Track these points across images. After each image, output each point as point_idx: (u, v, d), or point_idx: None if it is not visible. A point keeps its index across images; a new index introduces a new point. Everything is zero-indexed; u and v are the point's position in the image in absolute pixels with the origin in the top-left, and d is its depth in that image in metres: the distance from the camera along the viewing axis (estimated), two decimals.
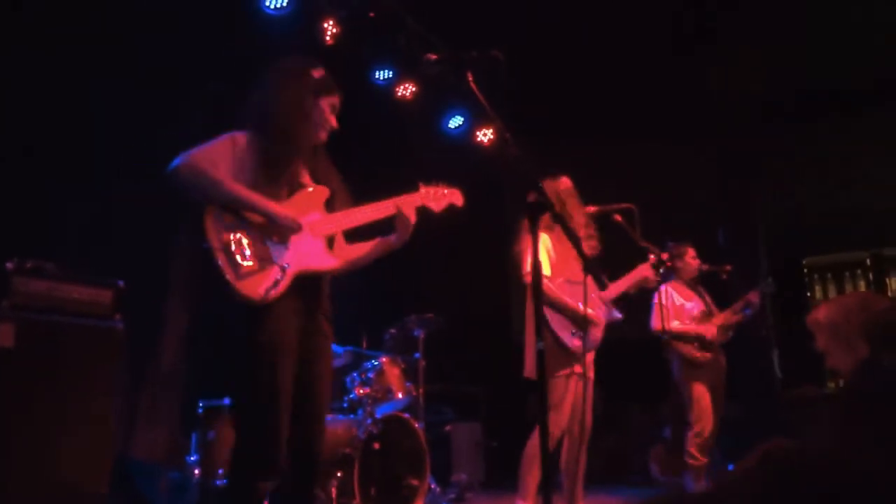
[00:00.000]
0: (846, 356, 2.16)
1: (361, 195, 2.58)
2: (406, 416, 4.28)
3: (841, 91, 6.62)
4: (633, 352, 5.18)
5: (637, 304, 4.28)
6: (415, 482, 4.14)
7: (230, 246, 2.19)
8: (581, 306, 3.40)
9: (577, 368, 3.52)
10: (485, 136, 6.16)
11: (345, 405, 4.39)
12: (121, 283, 3.32)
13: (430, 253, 6.65)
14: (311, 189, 2.43)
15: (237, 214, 2.25)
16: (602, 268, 3.64)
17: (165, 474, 4.04)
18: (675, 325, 4.65)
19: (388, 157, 6.35)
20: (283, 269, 2.24)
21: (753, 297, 4.74)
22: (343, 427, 4.08)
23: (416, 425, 4.27)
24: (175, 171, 2.24)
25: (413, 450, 4.20)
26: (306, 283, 2.32)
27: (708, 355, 4.65)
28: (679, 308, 4.72)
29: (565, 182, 3.77)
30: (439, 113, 6.14)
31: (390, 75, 5.70)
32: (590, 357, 3.68)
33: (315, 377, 2.35)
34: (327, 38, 5.11)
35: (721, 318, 4.76)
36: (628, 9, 5.78)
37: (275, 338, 2.22)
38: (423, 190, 2.62)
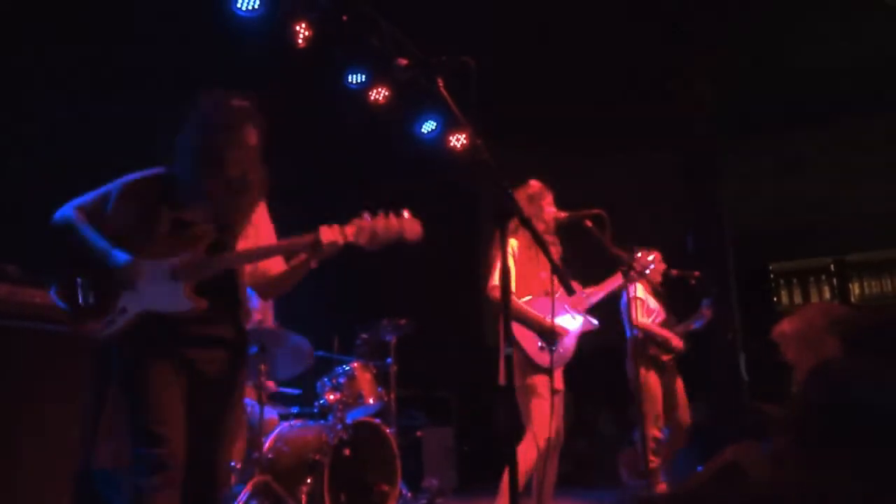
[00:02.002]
0: (815, 362, 2.19)
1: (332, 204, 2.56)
2: (377, 421, 4.26)
3: (804, 99, 6.78)
4: (603, 357, 5.23)
5: (605, 308, 4.32)
6: (385, 488, 4.12)
7: (75, 285, 2.32)
8: (548, 318, 3.39)
9: (549, 382, 3.49)
10: (458, 140, 6.18)
11: (315, 410, 4.36)
12: None
13: (402, 257, 6.66)
14: (196, 228, 2.37)
15: (89, 255, 2.33)
16: (570, 272, 3.66)
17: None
18: (646, 321, 4.73)
19: (361, 161, 6.34)
20: (121, 312, 2.30)
21: (706, 311, 4.88)
22: (313, 433, 4.05)
23: (388, 431, 4.25)
24: (52, 225, 2.39)
25: (384, 455, 4.19)
26: (169, 320, 2.31)
27: (668, 356, 4.76)
28: (646, 305, 4.82)
29: (534, 185, 3.77)
30: (412, 117, 6.14)
31: (363, 79, 5.68)
32: (558, 372, 3.64)
33: (211, 406, 2.37)
34: (299, 40, 5.08)
35: (681, 327, 4.92)
36: (594, 18, 5.86)
37: (130, 377, 2.31)
38: (354, 225, 2.38)
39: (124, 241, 2.33)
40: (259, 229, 2.52)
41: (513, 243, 3.61)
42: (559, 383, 3.64)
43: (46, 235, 2.39)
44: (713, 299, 4.95)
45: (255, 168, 2.41)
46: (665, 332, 4.76)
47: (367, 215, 2.38)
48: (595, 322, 3.76)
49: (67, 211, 2.38)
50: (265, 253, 2.46)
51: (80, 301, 2.33)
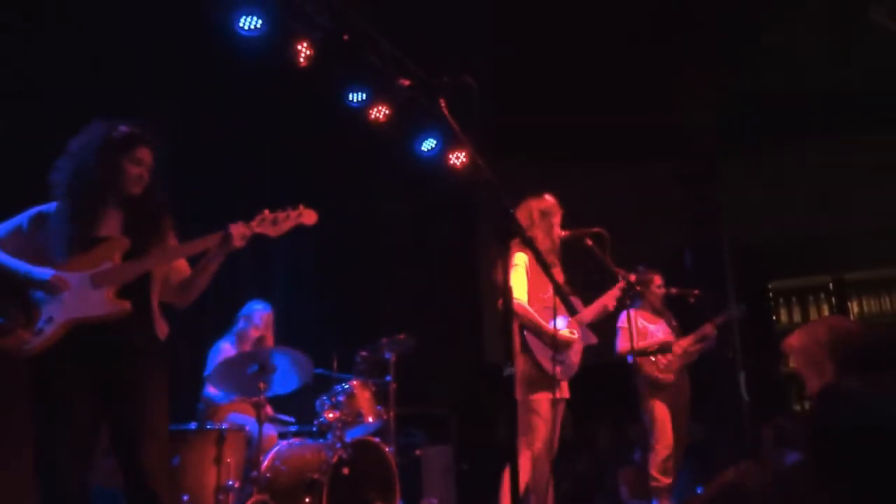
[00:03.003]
0: (818, 380, 2.19)
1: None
2: (376, 440, 4.23)
3: (804, 117, 6.82)
4: (603, 375, 5.22)
5: (606, 327, 4.33)
6: None
7: None
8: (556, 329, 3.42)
9: (557, 394, 3.53)
10: (458, 158, 6.21)
11: (314, 429, 4.34)
12: None
13: (401, 275, 6.66)
14: (109, 242, 2.58)
15: (8, 277, 2.47)
16: (572, 292, 3.67)
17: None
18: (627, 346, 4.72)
19: (361, 178, 6.37)
20: (48, 321, 2.43)
21: (709, 329, 4.85)
22: (312, 451, 4.02)
23: (387, 449, 4.23)
24: None
25: (383, 474, 4.16)
26: (93, 328, 2.47)
27: (670, 376, 4.71)
28: (643, 331, 4.79)
29: (548, 201, 3.79)
30: (412, 135, 6.17)
31: (364, 97, 5.72)
32: (564, 382, 3.69)
33: (131, 409, 2.50)
34: (301, 59, 5.12)
35: (684, 342, 4.85)
36: (594, 33, 5.91)
37: (52, 386, 2.42)
38: (258, 217, 2.70)
39: (43, 262, 2.51)
40: (167, 243, 2.73)
41: (523, 257, 3.63)
42: (565, 392, 3.69)
43: None
44: (727, 315, 4.93)
45: (154, 184, 2.67)
46: (658, 339, 4.74)
47: (267, 211, 2.72)
48: (594, 337, 3.78)
49: None
50: (175, 253, 2.69)
51: (4, 317, 2.43)
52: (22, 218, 2.59)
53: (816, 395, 1.63)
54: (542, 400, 3.52)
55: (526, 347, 3.53)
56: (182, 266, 2.77)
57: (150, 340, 2.60)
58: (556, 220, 3.77)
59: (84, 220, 2.54)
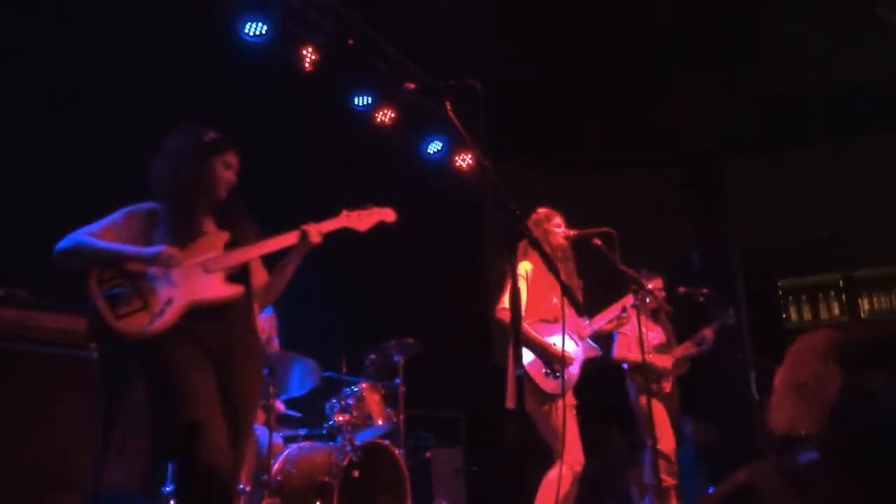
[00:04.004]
0: (820, 406, 2.02)
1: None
2: (386, 442, 4.24)
3: (812, 116, 6.79)
4: (612, 375, 5.20)
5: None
6: None
7: (110, 292, 2.44)
8: (555, 345, 3.39)
9: (558, 403, 3.49)
10: (463, 161, 6.21)
11: (324, 432, 4.35)
12: None
13: (409, 277, 6.66)
14: (210, 234, 2.67)
15: (117, 267, 2.49)
16: (581, 292, 3.66)
17: None
18: (631, 355, 4.68)
19: (368, 182, 6.37)
20: (167, 303, 2.46)
21: (708, 332, 4.81)
22: (322, 454, 4.03)
23: (397, 452, 4.23)
24: (57, 252, 2.52)
25: (393, 477, 4.16)
26: (202, 313, 2.51)
27: (665, 388, 4.68)
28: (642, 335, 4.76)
29: (539, 213, 3.79)
30: (418, 138, 6.18)
31: (369, 101, 5.73)
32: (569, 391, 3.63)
33: (240, 394, 2.55)
34: (306, 64, 5.15)
35: (680, 350, 4.82)
36: (599, 37, 5.90)
37: (171, 362, 2.42)
38: (343, 214, 2.87)
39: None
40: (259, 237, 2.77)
41: (526, 266, 3.61)
42: (570, 398, 3.64)
43: (55, 261, 2.51)
44: (721, 321, 4.89)
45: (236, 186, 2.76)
46: (649, 359, 4.69)
47: (345, 210, 2.88)
48: (598, 348, 3.74)
49: (78, 237, 2.53)
50: (266, 246, 2.72)
51: (119, 303, 2.43)
52: (116, 216, 2.63)
53: (837, 394, 1.60)
54: (555, 407, 3.47)
55: (519, 364, 3.46)
56: (261, 270, 2.84)
57: (252, 331, 2.69)
58: (553, 223, 3.74)
59: (186, 216, 2.62)
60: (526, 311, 3.53)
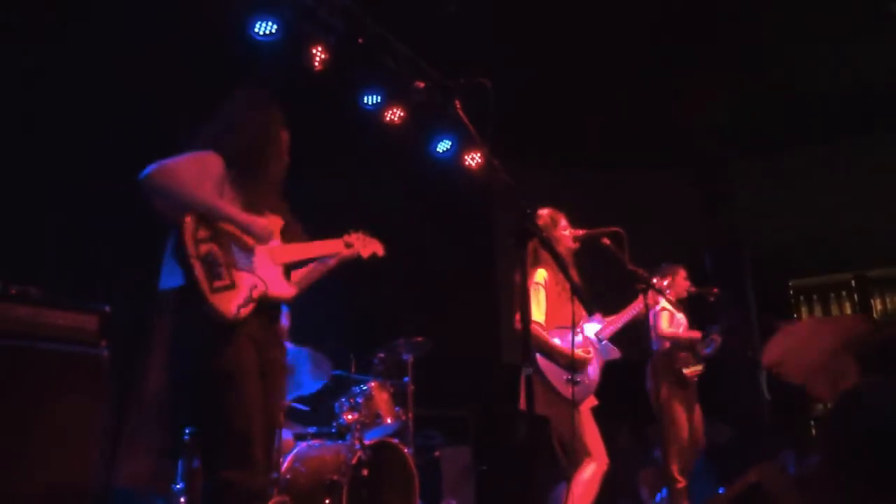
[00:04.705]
0: (832, 385, 2.07)
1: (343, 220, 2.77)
2: (395, 441, 4.24)
3: (822, 115, 6.74)
4: (622, 373, 5.18)
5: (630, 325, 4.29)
6: None
7: (207, 258, 2.14)
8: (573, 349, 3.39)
9: (580, 407, 3.50)
10: (473, 160, 6.20)
11: (333, 430, 4.36)
12: (107, 307, 3.28)
13: (418, 276, 6.66)
14: (269, 218, 2.42)
15: (212, 227, 2.22)
16: (591, 294, 3.64)
17: (151, 503, 3.97)
18: (672, 331, 4.71)
19: (378, 182, 6.38)
20: (252, 289, 2.22)
21: (716, 337, 4.82)
22: (331, 453, 4.04)
23: (406, 451, 4.24)
24: (149, 176, 2.20)
25: (402, 475, 4.17)
26: (265, 310, 2.30)
27: (699, 369, 4.68)
28: (674, 318, 4.78)
29: (542, 216, 3.76)
30: (427, 137, 6.18)
31: (379, 100, 5.74)
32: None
33: (272, 407, 2.35)
34: (316, 63, 5.15)
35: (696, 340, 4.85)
36: (608, 38, 5.88)
37: (237, 362, 2.18)
38: (354, 236, 2.74)
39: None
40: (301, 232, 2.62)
41: (543, 273, 3.60)
42: (592, 399, 3.66)
43: (139, 190, 2.21)
44: (725, 324, 4.90)
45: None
46: (691, 333, 4.73)
47: (352, 232, 2.76)
48: (617, 351, 3.73)
49: (175, 175, 2.23)
50: (320, 249, 2.59)
51: (215, 274, 2.15)
52: (197, 155, 2.32)
53: (840, 397, 1.60)
54: (570, 415, 3.46)
55: (539, 372, 3.44)
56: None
57: (283, 332, 2.59)
58: (559, 231, 3.72)
59: (256, 186, 2.36)
60: (546, 319, 3.53)
